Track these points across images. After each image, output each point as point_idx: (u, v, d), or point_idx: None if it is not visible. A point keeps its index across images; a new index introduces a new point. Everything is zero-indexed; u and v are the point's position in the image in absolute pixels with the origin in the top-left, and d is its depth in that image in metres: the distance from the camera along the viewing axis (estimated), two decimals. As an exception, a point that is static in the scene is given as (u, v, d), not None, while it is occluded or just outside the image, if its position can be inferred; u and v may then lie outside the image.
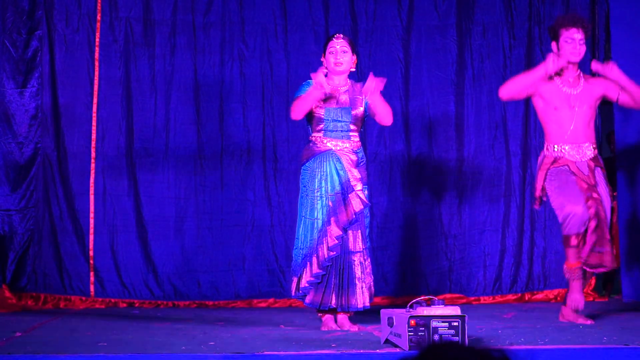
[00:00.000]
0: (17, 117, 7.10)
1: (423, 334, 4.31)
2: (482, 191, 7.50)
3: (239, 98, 7.39)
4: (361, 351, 4.54)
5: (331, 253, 5.48)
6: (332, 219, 5.51)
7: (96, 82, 7.24)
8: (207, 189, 7.34)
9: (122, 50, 7.28)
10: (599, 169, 5.84)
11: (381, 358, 4.49)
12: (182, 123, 7.34)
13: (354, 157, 5.59)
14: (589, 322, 5.73)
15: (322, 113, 5.60)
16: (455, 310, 4.38)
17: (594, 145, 5.87)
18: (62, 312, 6.73)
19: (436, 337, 4.30)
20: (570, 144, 5.82)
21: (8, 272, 7.05)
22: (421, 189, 7.51)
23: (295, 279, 5.60)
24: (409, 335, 4.32)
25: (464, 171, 7.51)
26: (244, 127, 7.38)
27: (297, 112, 5.59)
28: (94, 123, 7.23)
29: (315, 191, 5.55)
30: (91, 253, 7.17)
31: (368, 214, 5.67)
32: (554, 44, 5.90)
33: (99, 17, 7.24)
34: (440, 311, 4.36)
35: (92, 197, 7.19)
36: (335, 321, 5.59)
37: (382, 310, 4.77)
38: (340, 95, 5.64)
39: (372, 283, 5.59)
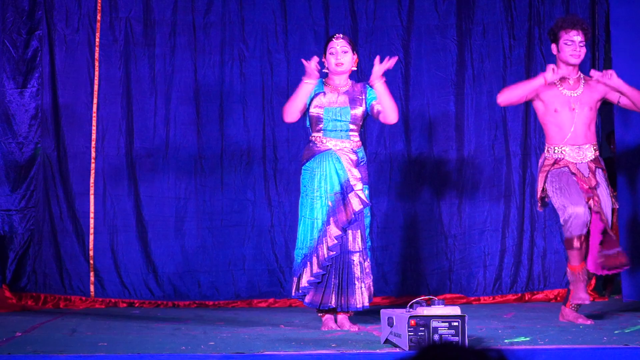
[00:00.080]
0: (17, 117, 7.10)
1: (423, 334, 4.31)
2: (482, 191, 7.50)
3: (239, 98, 7.39)
4: (361, 351, 4.54)
5: (331, 253, 5.48)
6: (332, 218, 5.51)
7: (96, 82, 7.24)
8: (207, 189, 7.34)
9: (122, 50, 7.28)
10: (600, 170, 5.84)
11: (381, 358, 4.49)
12: (182, 123, 7.34)
13: (353, 157, 5.59)
14: (589, 322, 5.73)
15: (322, 113, 5.60)
16: (455, 310, 4.38)
17: (595, 147, 5.87)
18: (62, 312, 6.73)
19: (436, 337, 4.30)
20: (570, 145, 5.82)
21: (8, 272, 7.06)
22: (421, 189, 7.51)
23: (295, 279, 5.60)
24: (409, 335, 4.32)
25: (464, 171, 7.51)
26: (244, 127, 7.38)
27: (288, 113, 5.61)
28: (94, 123, 7.23)
29: (315, 191, 5.55)
30: (91, 253, 7.17)
31: (369, 214, 5.66)
32: (554, 46, 5.90)
33: (99, 17, 7.24)
34: (440, 311, 4.36)
35: (92, 197, 7.19)
36: (335, 321, 5.59)
37: (382, 310, 4.77)
38: (339, 95, 5.64)
39: (371, 283, 5.59)
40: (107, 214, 7.22)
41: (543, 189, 5.86)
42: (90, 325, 5.81)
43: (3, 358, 4.25)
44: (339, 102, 5.62)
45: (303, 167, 5.66)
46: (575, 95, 5.86)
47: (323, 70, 5.71)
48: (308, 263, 5.52)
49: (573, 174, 5.78)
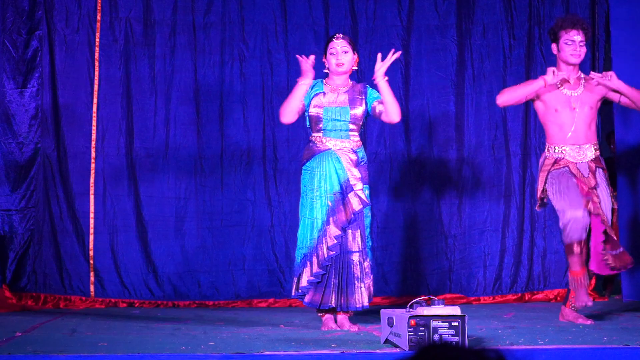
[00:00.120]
0: (17, 117, 7.10)
1: (423, 334, 4.31)
2: (482, 191, 7.50)
3: (239, 98, 7.39)
4: (361, 351, 4.54)
5: (330, 253, 5.48)
6: (331, 218, 5.51)
7: (96, 82, 7.24)
8: (207, 189, 7.34)
9: (122, 50, 7.29)
10: (600, 170, 5.84)
11: (381, 358, 4.49)
12: (182, 123, 7.34)
13: (353, 157, 5.58)
14: (589, 322, 5.73)
15: (321, 112, 5.60)
16: (455, 310, 4.38)
17: (596, 147, 5.87)
18: (62, 312, 6.73)
19: (436, 337, 4.30)
20: (571, 145, 5.82)
21: (8, 272, 7.06)
22: (421, 189, 7.51)
23: (295, 279, 5.60)
24: (409, 335, 4.32)
25: (464, 171, 7.51)
26: (244, 127, 7.38)
27: (284, 114, 5.62)
28: (94, 123, 7.23)
29: (315, 191, 5.55)
30: (91, 253, 7.17)
31: (369, 214, 5.65)
32: (554, 46, 5.90)
33: (99, 17, 7.24)
34: (440, 311, 4.36)
35: (92, 197, 7.20)
36: (335, 321, 5.59)
37: (382, 310, 4.77)
38: (339, 95, 5.65)
39: (371, 283, 5.59)
40: (107, 214, 7.22)
41: (543, 189, 5.86)
42: (90, 325, 5.81)
43: (3, 358, 4.25)
44: (338, 101, 5.62)
45: (303, 167, 5.66)
46: (576, 94, 5.87)
47: (324, 71, 5.71)
48: (308, 263, 5.52)
49: (573, 174, 5.78)
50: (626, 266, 5.78)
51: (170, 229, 7.30)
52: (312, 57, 5.58)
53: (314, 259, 5.50)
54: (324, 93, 5.64)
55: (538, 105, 5.94)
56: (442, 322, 4.32)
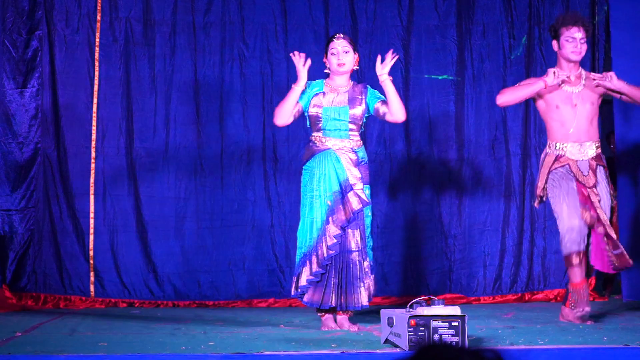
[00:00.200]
0: (17, 117, 7.10)
1: (423, 334, 4.31)
2: (482, 191, 7.50)
3: (239, 98, 7.40)
4: (361, 351, 4.54)
5: (330, 252, 5.48)
6: (331, 218, 5.51)
7: (96, 82, 7.24)
8: (207, 189, 7.34)
9: (122, 50, 7.29)
10: (601, 167, 5.85)
11: (381, 358, 4.49)
12: (182, 123, 7.34)
13: (353, 156, 5.58)
14: (588, 322, 5.73)
15: (320, 112, 5.60)
16: (455, 310, 4.38)
17: (597, 144, 5.87)
18: (62, 312, 6.73)
19: (436, 337, 4.30)
20: (572, 142, 5.82)
21: (8, 272, 7.06)
22: (421, 189, 7.51)
23: (294, 278, 5.60)
24: (409, 335, 4.32)
25: (464, 171, 7.51)
26: (244, 127, 7.39)
27: (277, 116, 5.64)
28: (94, 123, 7.24)
29: (314, 190, 5.56)
30: (91, 253, 7.17)
31: (370, 214, 5.65)
32: (554, 43, 5.90)
33: (99, 17, 7.24)
34: (440, 311, 4.36)
35: (92, 197, 7.20)
36: (335, 321, 5.59)
37: (382, 310, 4.77)
38: (339, 95, 5.65)
39: (371, 283, 5.58)
40: (107, 214, 7.22)
41: (543, 187, 5.86)
42: (90, 325, 5.81)
43: (3, 358, 4.25)
44: (338, 101, 5.62)
45: (303, 167, 5.67)
46: (577, 91, 5.87)
47: (324, 71, 5.72)
48: (307, 262, 5.52)
49: (573, 175, 5.77)
50: (625, 267, 5.79)
51: (170, 229, 7.30)
52: (308, 60, 5.59)
53: (314, 258, 5.50)
54: (324, 93, 5.64)
55: (539, 103, 5.94)
56: (442, 322, 4.32)
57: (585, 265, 5.77)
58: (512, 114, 7.49)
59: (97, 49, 7.24)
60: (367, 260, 5.56)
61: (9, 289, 6.99)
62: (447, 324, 4.32)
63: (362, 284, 5.52)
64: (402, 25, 7.49)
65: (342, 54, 5.62)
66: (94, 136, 7.23)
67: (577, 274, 5.72)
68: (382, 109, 5.59)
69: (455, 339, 4.30)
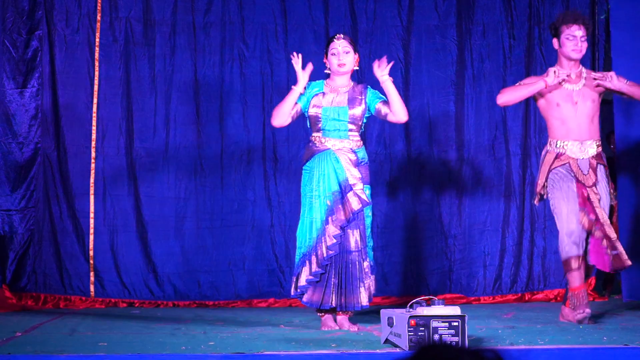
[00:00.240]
0: (17, 117, 7.10)
1: (423, 334, 4.31)
2: (482, 191, 7.50)
3: (239, 98, 7.40)
4: (361, 351, 4.54)
5: (330, 252, 5.48)
6: (330, 218, 5.51)
7: (96, 82, 7.24)
8: (207, 189, 7.34)
9: (122, 50, 7.29)
10: (601, 166, 5.85)
11: (381, 358, 4.49)
12: (182, 123, 7.35)
13: (352, 157, 5.58)
14: (588, 322, 5.73)
15: (320, 112, 5.60)
16: (455, 310, 4.38)
17: (598, 143, 5.87)
18: (62, 312, 6.73)
19: (436, 337, 4.30)
20: (573, 140, 5.82)
21: (8, 272, 7.06)
22: (421, 189, 7.51)
23: (294, 278, 5.60)
24: (409, 335, 4.32)
25: (464, 171, 7.51)
26: (244, 127, 7.39)
27: (275, 117, 5.64)
28: (94, 123, 7.24)
29: (314, 190, 5.56)
30: (91, 253, 7.17)
31: (370, 214, 5.65)
32: (555, 41, 5.90)
33: (99, 17, 7.24)
34: (440, 311, 4.36)
35: (92, 197, 7.20)
36: (335, 321, 5.59)
37: (382, 310, 4.77)
38: (338, 95, 5.65)
39: (371, 283, 5.58)
40: (107, 214, 7.22)
41: (543, 185, 5.86)
42: (90, 325, 5.81)
43: (3, 358, 4.25)
44: (337, 101, 5.62)
45: (304, 168, 5.67)
46: (577, 89, 5.87)
47: (325, 71, 5.72)
48: (307, 262, 5.52)
49: (573, 174, 5.77)
50: (623, 267, 5.78)
51: (170, 229, 7.30)
52: (309, 64, 5.60)
53: (313, 259, 5.50)
54: (324, 93, 5.64)
55: (539, 101, 5.94)
56: (442, 322, 4.32)
57: (584, 269, 5.77)
58: (512, 114, 7.49)
59: (97, 49, 7.24)
60: (367, 260, 5.56)
61: (9, 289, 6.99)
62: (447, 324, 4.32)
63: (362, 285, 5.52)
64: (402, 25, 7.49)
65: (342, 55, 5.62)
66: (94, 136, 7.23)
67: (576, 278, 5.72)
68: (384, 109, 5.59)
69: (455, 339, 4.30)
